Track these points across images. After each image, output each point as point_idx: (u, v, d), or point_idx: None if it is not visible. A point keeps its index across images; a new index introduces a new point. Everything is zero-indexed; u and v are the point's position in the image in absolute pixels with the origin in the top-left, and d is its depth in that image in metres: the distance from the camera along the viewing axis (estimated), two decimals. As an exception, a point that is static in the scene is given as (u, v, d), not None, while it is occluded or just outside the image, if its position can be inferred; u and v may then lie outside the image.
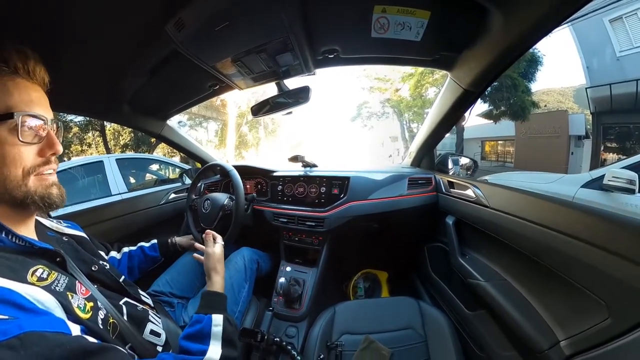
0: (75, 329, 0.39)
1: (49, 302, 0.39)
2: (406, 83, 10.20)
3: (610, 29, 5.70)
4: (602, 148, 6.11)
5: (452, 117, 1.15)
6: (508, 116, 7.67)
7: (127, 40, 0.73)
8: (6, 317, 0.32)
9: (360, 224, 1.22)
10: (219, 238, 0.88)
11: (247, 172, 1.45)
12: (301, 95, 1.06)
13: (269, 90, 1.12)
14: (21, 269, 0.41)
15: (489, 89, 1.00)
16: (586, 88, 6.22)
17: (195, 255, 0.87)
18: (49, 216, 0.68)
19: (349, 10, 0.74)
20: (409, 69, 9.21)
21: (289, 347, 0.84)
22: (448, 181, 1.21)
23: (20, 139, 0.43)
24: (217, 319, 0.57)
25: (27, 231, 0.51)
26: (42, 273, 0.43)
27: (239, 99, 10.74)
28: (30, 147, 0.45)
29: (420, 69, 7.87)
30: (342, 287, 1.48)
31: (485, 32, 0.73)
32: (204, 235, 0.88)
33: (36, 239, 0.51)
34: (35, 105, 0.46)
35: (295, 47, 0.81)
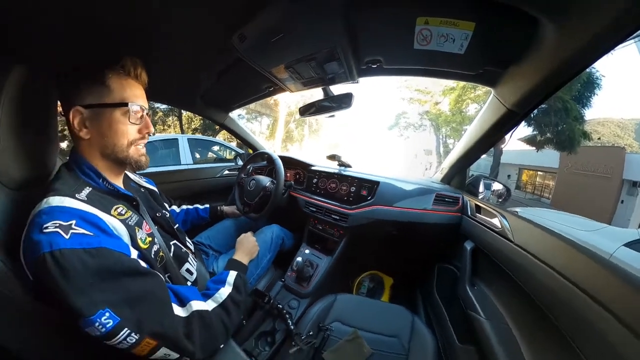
0: (134, 254, 0.48)
1: (121, 231, 0.49)
2: (447, 97, 9.21)
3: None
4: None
5: (491, 138, 1.01)
6: (553, 145, 6.25)
7: (202, 50, 0.81)
8: (92, 233, 0.42)
9: (380, 227, 1.16)
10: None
11: (289, 162, 1.49)
12: (344, 101, 1.06)
13: (316, 94, 1.13)
14: (108, 205, 0.51)
15: (535, 111, 0.84)
16: (653, 122, 4.94)
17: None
18: (135, 173, 0.80)
19: (392, 22, 0.70)
20: (450, 83, 8.23)
21: (287, 316, 0.87)
22: (476, 205, 1.06)
23: (130, 120, 0.55)
24: (232, 274, 0.66)
25: (117, 181, 0.61)
26: (121, 210, 0.53)
27: (290, 100, 10.99)
28: (134, 126, 0.57)
29: (462, 83, 6.85)
30: (348, 281, 1.45)
31: (535, 46, 0.61)
32: (241, 236, 0.96)
33: (122, 187, 0.61)
34: (139, 98, 0.57)
35: (341, 57, 0.81)
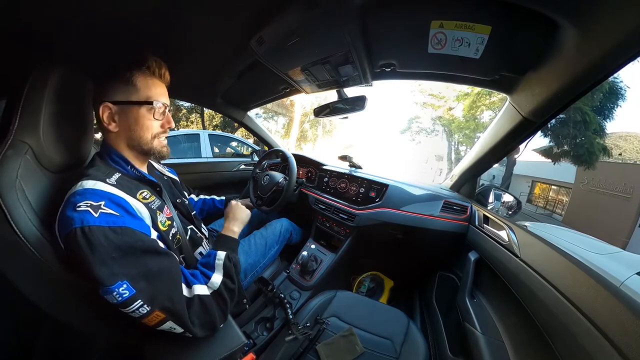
0: (154, 234, 0.50)
1: (144, 213, 0.51)
2: (461, 103, 8.78)
3: None
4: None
5: (505, 147, 0.95)
6: (570, 158, 5.75)
7: (222, 53, 0.83)
8: (117, 214, 0.45)
9: (385, 230, 1.14)
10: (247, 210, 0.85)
11: (302, 161, 1.50)
12: (358, 104, 1.05)
13: (330, 96, 1.12)
14: (134, 189, 0.54)
15: (552, 121, 0.78)
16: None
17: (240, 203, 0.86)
18: (159, 162, 0.84)
19: (406, 26, 0.67)
20: (465, 88, 7.78)
21: (288, 306, 0.88)
22: (484, 215, 1.01)
23: (154, 117, 0.59)
24: (220, 257, 0.59)
25: (143, 168, 0.65)
26: (145, 195, 0.56)
27: (305, 101, 11.01)
28: (157, 121, 0.60)
29: (477, 89, 6.27)
30: (350, 279, 1.43)
31: (554, 52, 0.56)
32: (232, 202, 0.86)
33: (147, 173, 0.64)
34: (162, 96, 0.60)
35: (355, 60, 0.80)
